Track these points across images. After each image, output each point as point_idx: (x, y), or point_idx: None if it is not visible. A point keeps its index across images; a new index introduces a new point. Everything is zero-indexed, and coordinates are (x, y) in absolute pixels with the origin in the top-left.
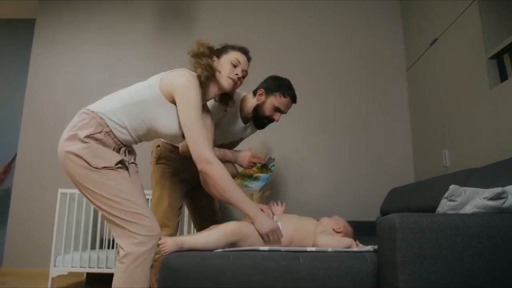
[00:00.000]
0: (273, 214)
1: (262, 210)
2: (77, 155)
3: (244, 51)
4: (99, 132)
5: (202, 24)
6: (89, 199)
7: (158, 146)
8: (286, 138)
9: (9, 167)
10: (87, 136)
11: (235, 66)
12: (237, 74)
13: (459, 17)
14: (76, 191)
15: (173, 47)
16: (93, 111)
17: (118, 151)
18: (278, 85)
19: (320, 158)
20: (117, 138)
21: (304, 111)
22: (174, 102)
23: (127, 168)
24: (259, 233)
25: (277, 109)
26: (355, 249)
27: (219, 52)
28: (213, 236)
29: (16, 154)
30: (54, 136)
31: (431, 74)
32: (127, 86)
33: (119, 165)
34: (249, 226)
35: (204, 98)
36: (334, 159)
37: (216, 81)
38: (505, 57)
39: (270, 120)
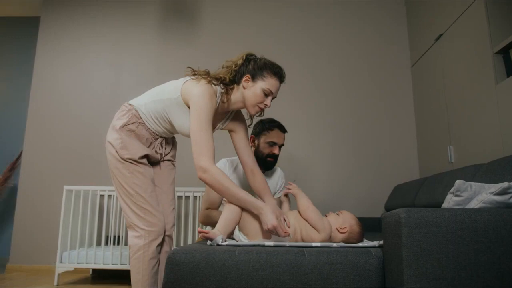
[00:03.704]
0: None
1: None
2: (111, 145)
3: (280, 76)
4: (133, 123)
5: (206, 24)
6: (114, 185)
7: None
8: (291, 135)
9: (14, 165)
10: (122, 127)
11: (266, 96)
12: (266, 105)
13: (465, 11)
14: (81, 187)
15: (177, 46)
16: (130, 104)
17: (154, 142)
18: (261, 126)
19: (324, 155)
20: (151, 129)
21: (309, 108)
22: (189, 107)
23: (158, 162)
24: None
25: (271, 143)
26: (361, 244)
27: (255, 72)
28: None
29: (21, 152)
30: (59, 134)
31: (436, 70)
32: (131, 85)
33: (143, 160)
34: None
35: (225, 107)
36: (339, 156)
37: (242, 99)
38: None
39: (271, 155)
